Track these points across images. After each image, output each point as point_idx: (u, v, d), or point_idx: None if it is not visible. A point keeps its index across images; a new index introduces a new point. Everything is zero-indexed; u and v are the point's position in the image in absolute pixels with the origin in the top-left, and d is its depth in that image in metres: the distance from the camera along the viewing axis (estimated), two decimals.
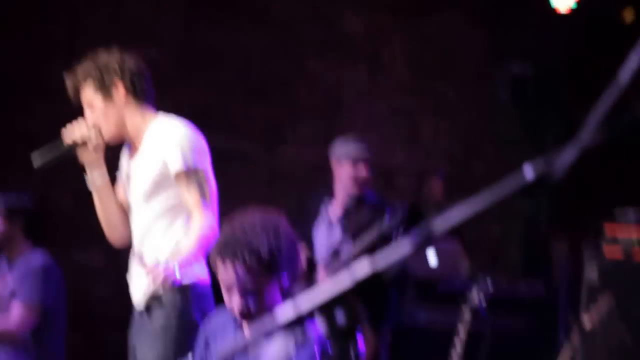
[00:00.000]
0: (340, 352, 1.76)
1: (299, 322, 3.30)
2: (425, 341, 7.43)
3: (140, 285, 4.33)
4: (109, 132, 4.35)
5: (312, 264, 6.03)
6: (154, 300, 4.27)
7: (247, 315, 3.36)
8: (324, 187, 6.40)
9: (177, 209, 4.29)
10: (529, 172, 1.36)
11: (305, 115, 8.90)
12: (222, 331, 3.56)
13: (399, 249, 1.55)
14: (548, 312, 7.45)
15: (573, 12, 8.33)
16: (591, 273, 5.83)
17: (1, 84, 7.56)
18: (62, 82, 4.45)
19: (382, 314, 6.24)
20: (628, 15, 8.58)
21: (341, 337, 1.70)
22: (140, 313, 4.37)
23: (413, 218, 6.19)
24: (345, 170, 6.08)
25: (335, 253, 6.06)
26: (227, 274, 3.36)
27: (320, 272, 6.03)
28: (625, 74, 1.33)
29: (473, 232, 9.25)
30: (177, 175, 4.22)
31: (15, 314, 6.05)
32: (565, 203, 9.19)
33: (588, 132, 1.28)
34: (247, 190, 8.36)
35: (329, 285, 1.65)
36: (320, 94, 8.95)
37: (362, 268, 1.56)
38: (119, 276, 4.50)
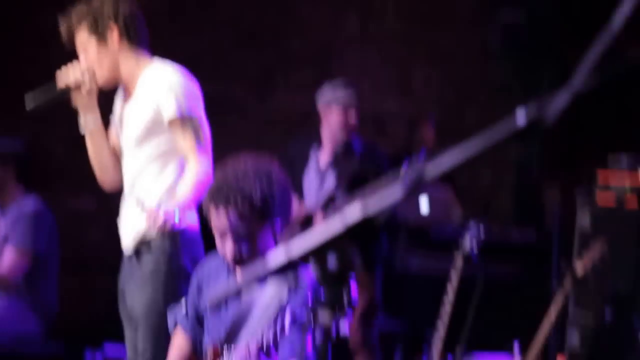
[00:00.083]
0: (333, 298, 1.76)
1: (292, 268, 3.33)
2: (418, 288, 7.46)
3: (130, 230, 4.35)
4: (102, 76, 4.34)
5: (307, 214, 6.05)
6: (143, 245, 4.29)
7: (240, 260, 3.38)
8: (306, 133, 6.39)
9: (169, 155, 4.29)
10: (520, 117, 1.36)
11: (297, 63, 8.87)
12: (214, 277, 3.57)
13: (391, 194, 1.55)
14: (540, 259, 7.48)
15: None
16: (583, 220, 5.85)
17: None
18: (56, 26, 4.42)
19: (373, 259, 6.28)
20: None
21: (333, 282, 1.70)
22: (130, 258, 4.39)
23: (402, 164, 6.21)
24: (335, 116, 6.07)
25: (331, 199, 6.08)
26: (220, 220, 3.37)
27: (317, 219, 6.05)
28: (617, 19, 1.33)
29: (465, 179, 9.27)
30: (171, 122, 4.22)
31: (7, 259, 6.07)
32: (558, 149, 9.20)
33: (580, 77, 1.28)
34: (238, 137, 8.36)
35: (320, 230, 1.65)
36: (312, 42, 8.91)
37: (354, 213, 1.56)
38: (110, 221, 4.51)
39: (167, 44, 5.08)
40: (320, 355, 1.76)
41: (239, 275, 3.42)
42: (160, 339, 4.24)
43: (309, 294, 3.26)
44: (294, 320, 2.93)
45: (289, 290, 3.29)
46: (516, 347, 5.84)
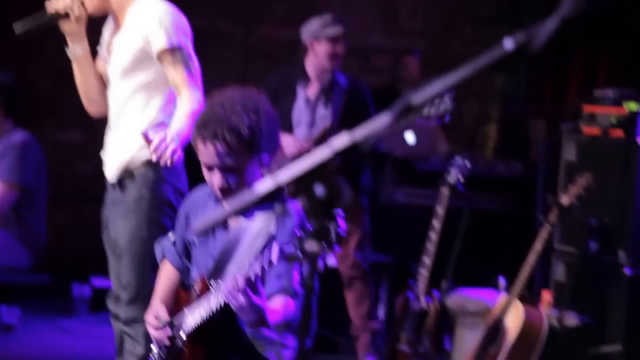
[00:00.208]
0: (320, 228, 1.76)
1: (280, 198, 3.33)
2: (403, 220, 7.50)
3: (114, 159, 4.37)
4: (91, 4, 4.33)
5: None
6: (126, 174, 4.32)
7: (228, 193, 3.38)
8: (287, 67, 6.37)
9: (155, 87, 4.31)
10: (508, 43, 1.36)
11: None
12: (202, 208, 3.58)
13: (378, 121, 1.55)
14: (525, 192, 7.51)
15: None
16: (569, 153, 5.87)
17: None
18: None
19: (360, 190, 6.30)
20: None
21: (320, 212, 1.70)
22: (113, 186, 4.42)
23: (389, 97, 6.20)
24: (323, 48, 6.07)
25: (325, 133, 6.08)
26: (207, 154, 3.36)
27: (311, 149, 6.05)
28: None
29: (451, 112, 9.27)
30: (161, 53, 4.23)
31: None
32: (544, 84, 9.21)
33: (568, 3, 1.27)
34: (224, 69, 8.34)
35: (309, 159, 1.65)
36: None
37: (341, 139, 1.56)
38: (97, 154, 4.52)
39: None
40: (307, 287, 1.76)
41: (227, 206, 3.42)
42: (145, 271, 4.27)
43: (297, 225, 3.27)
44: (281, 253, 2.94)
45: (277, 223, 3.31)
46: (501, 281, 5.89)
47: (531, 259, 5.02)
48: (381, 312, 6.80)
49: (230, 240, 3.41)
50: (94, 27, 4.50)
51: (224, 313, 3.19)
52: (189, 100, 4.15)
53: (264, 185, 1.66)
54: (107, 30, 4.51)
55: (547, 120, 8.64)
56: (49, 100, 8.25)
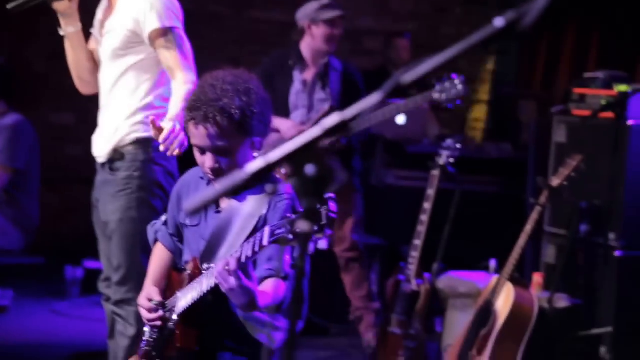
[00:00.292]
0: (311, 208, 1.76)
1: (270, 179, 3.33)
2: (394, 203, 7.51)
3: (105, 139, 4.39)
4: None
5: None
6: (116, 154, 4.34)
7: (219, 174, 3.37)
8: (281, 51, 6.36)
9: (145, 69, 4.32)
10: (499, 21, 1.36)
11: None
12: (194, 189, 3.57)
13: (368, 101, 1.55)
14: (516, 173, 7.52)
15: None
16: (559, 136, 5.88)
17: None
18: None
19: (352, 173, 6.30)
20: None
21: (311, 192, 1.70)
22: (103, 166, 4.43)
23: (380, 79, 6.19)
24: (321, 30, 6.06)
25: (329, 112, 6.08)
26: (199, 135, 3.34)
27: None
28: None
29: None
30: (153, 35, 4.24)
31: None
32: (535, 64, 9.21)
33: None
34: (217, 51, 8.33)
35: (298, 139, 1.65)
36: None
37: (332, 119, 1.56)
38: (90, 136, 4.53)
39: None
40: (298, 269, 1.76)
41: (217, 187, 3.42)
42: (135, 251, 4.29)
43: (288, 208, 3.27)
44: (272, 235, 2.94)
45: (269, 205, 3.31)
46: (492, 263, 5.90)
47: (522, 241, 5.04)
48: None
49: (221, 222, 3.41)
50: (88, 8, 4.50)
51: (216, 295, 3.19)
52: (183, 83, 4.16)
53: (254, 165, 1.66)
54: (100, 10, 4.52)
55: (538, 102, 8.65)
56: (42, 82, 8.25)
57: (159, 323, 3.48)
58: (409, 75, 1.48)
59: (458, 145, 5.66)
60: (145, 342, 3.58)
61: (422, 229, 5.52)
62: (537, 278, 5.72)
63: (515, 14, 1.35)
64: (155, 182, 4.32)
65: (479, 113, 9.55)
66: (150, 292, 3.55)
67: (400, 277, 5.62)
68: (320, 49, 6.09)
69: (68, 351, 6.17)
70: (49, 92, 8.24)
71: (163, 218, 3.78)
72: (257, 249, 2.99)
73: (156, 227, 3.78)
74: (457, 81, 5.24)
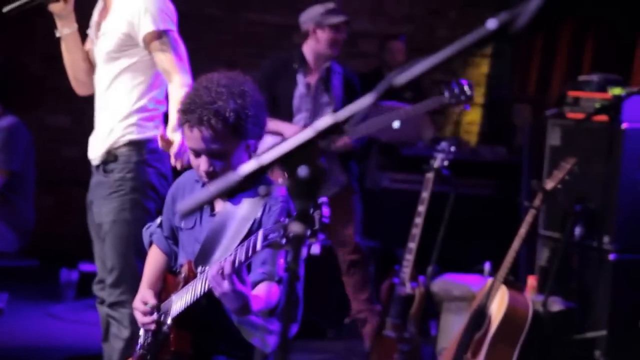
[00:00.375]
0: (304, 210, 1.75)
1: (264, 181, 3.32)
2: (389, 204, 7.51)
3: (100, 141, 4.40)
4: None
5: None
6: (109, 156, 4.34)
7: (214, 177, 3.36)
8: (283, 53, 6.36)
9: (139, 71, 4.33)
10: (492, 22, 1.36)
11: None
12: (189, 192, 3.57)
13: (361, 102, 1.56)
14: (511, 176, 7.52)
15: None
16: (554, 139, 5.88)
17: None
18: None
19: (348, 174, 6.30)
20: None
21: (304, 194, 1.69)
22: (97, 168, 4.44)
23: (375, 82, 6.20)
24: (326, 35, 6.05)
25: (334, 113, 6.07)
26: (193, 138, 3.33)
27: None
28: None
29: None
30: (148, 38, 4.25)
31: None
32: (529, 67, 9.22)
33: None
34: (212, 54, 8.33)
35: (291, 140, 1.65)
36: None
37: (325, 121, 1.56)
38: (86, 138, 4.54)
39: None
40: (291, 273, 1.76)
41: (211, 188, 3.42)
42: (128, 253, 4.29)
43: (282, 212, 3.26)
44: (265, 240, 2.93)
45: (264, 209, 3.30)
46: (487, 266, 5.90)
47: (516, 244, 5.04)
48: None
49: (216, 225, 3.40)
50: (84, 8, 4.51)
51: (210, 299, 3.19)
52: (180, 86, 4.16)
53: (247, 166, 1.66)
54: (96, 12, 4.53)
55: (532, 105, 8.65)
56: (38, 84, 8.24)
57: (153, 327, 3.47)
58: (402, 77, 1.48)
59: (452, 148, 5.67)
60: (140, 345, 3.57)
61: (416, 231, 5.52)
62: (532, 281, 5.72)
63: (508, 15, 1.35)
64: (149, 184, 4.33)
65: (474, 116, 9.56)
66: (145, 295, 3.54)
67: (394, 280, 5.62)
68: (324, 53, 6.08)
69: (63, 354, 6.16)
70: (45, 94, 8.24)
71: (158, 220, 3.78)
72: (250, 253, 2.99)
73: (151, 230, 3.77)
74: (466, 87, 5.36)
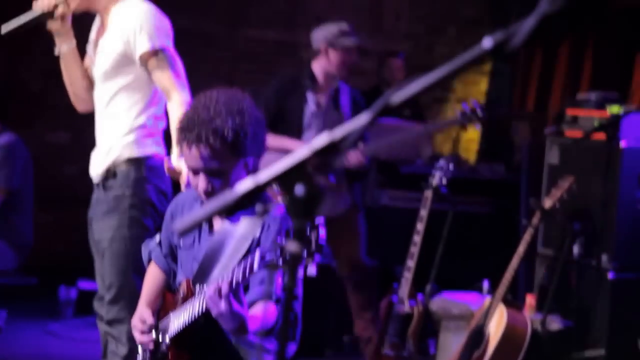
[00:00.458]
0: (301, 229, 1.75)
1: (262, 199, 3.31)
2: (388, 222, 7.50)
3: (100, 159, 4.41)
4: (75, 2, 4.36)
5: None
6: (109, 173, 4.36)
7: (213, 196, 3.35)
8: (293, 71, 6.35)
9: (136, 89, 4.34)
10: (487, 42, 1.36)
11: None
12: (188, 209, 3.56)
13: (357, 121, 1.56)
14: (509, 194, 7.52)
15: None
16: (552, 157, 5.88)
17: None
18: None
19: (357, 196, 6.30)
20: None
21: (301, 212, 1.69)
22: (97, 186, 4.45)
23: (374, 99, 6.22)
24: (338, 56, 6.05)
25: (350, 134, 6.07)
26: (191, 157, 3.32)
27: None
28: None
29: (435, 115, 9.28)
30: (145, 56, 4.25)
31: None
32: (528, 85, 9.23)
33: (546, 1, 1.28)
34: (211, 70, 8.35)
35: (288, 158, 1.65)
36: None
37: (321, 139, 1.56)
38: (85, 155, 4.54)
39: None
40: (288, 292, 1.75)
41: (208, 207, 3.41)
42: (127, 270, 4.28)
43: (280, 231, 3.25)
44: (262, 260, 2.92)
45: (262, 228, 3.29)
46: (485, 285, 5.89)
47: (514, 262, 5.03)
48: None
49: (214, 244, 3.39)
50: (84, 24, 4.52)
51: (208, 318, 3.18)
52: (179, 105, 4.17)
53: (244, 185, 1.66)
54: (94, 29, 4.54)
55: (531, 123, 8.66)
56: (37, 100, 8.25)
57: (151, 346, 3.47)
58: (399, 96, 1.49)
59: (451, 166, 5.67)
60: None
61: (415, 250, 5.52)
62: (530, 300, 5.71)
63: (504, 34, 1.35)
64: (148, 201, 4.33)
65: (472, 134, 9.57)
66: (143, 314, 3.53)
67: (393, 298, 5.61)
68: (334, 73, 6.08)
69: None
70: (44, 111, 8.24)
71: (157, 238, 3.77)
72: (247, 273, 2.97)
73: (150, 247, 3.76)
74: (477, 108, 5.44)
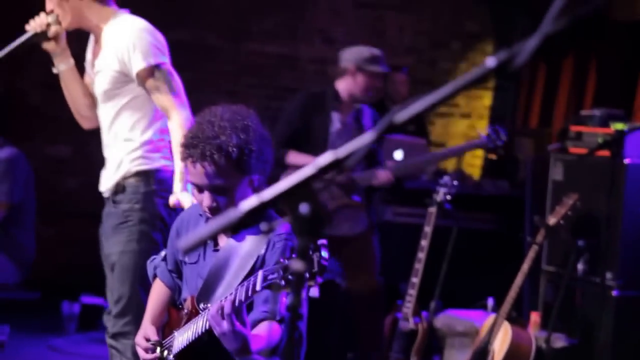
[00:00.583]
0: (305, 249, 1.74)
1: (267, 217, 3.30)
2: (392, 238, 7.49)
3: (109, 176, 4.44)
4: (66, 21, 4.38)
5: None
6: (119, 187, 4.37)
7: (217, 213, 3.32)
8: (318, 89, 6.32)
9: (140, 105, 4.36)
10: (491, 61, 1.37)
11: (270, 9, 8.86)
12: (193, 225, 3.55)
13: (362, 139, 1.56)
14: (513, 210, 7.51)
15: None
16: (556, 173, 5.88)
17: None
18: None
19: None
20: None
21: (305, 232, 1.69)
22: (108, 200, 4.47)
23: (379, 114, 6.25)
24: (365, 80, 6.06)
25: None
26: (196, 173, 3.29)
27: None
28: None
29: (439, 130, 9.28)
30: (142, 74, 4.25)
31: None
32: (532, 101, 9.23)
33: (549, 21, 1.29)
34: (213, 84, 8.36)
35: (293, 177, 1.64)
36: None
37: (326, 158, 1.56)
38: (86, 169, 4.56)
39: None
40: (293, 312, 1.74)
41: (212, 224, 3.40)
42: (135, 285, 4.29)
43: (284, 251, 3.23)
44: (264, 281, 2.91)
45: (267, 245, 3.27)
46: (490, 302, 5.88)
47: (519, 279, 5.02)
48: None
49: (219, 261, 3.38)
50: (85, 39, 4.54)
51: (212, 336, 3.16)
52: (179, 127, 4.17)
53: (248, 203, 1.66)
54: (89, 48, 4.56)
55: (535, 139, 8.65)
56: (38, 113, 8.26)
57: None
58: (403, 114, 1.49)
59: (455, 182, 5.67)
60: None
61: (419, 266, 5.51)
62: (535, 317, 5.70)
63: (508, 54, 1.35)
64: (157, 215, 4.33)
65: (476, 150, 9.57)
66: (147, 331, 3.52)
67: (397, 315, 5.61)
68: (358, 95, 6.08)
69: None
70: (45, 123, 8.25)
71: (162, 253, 3.76)
72: (250, 293, 2.96)
73: (155, 263, 3.75)
74: (501, 132, 5.65)
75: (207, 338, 3.20)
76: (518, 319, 5.21)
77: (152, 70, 4.24)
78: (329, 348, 6.68)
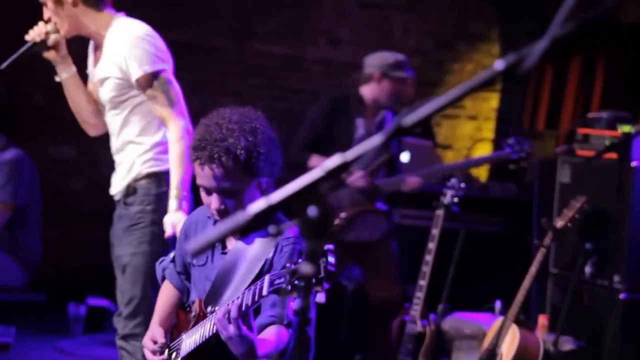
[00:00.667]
0: (313, 252, 1.74)
1: (275, 220, 3.29)
2: (399, 241, 7.48)
3: (119, 180, 4.45)
4: (63, 28, 4.40)
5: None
6: (130, 189, 4.39)
7: (225, 215, 3.31)
8: (343, 94, 6.31)
9: (146, 110, 4.37)
10: (499, 64, 1.36)
11: (275, 10, 8.86)
12: (202, 228, 3.54)
13: (370, 142, 1.56)
14: (521, 213, 7.50)
15: None
16: (563, 176, 5.87)
17: None
18: None
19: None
20: None
21: (313, 235, 1.68)
22: (119, 202, 4.49)
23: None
24: (391, 85, 6.05)
25: (387, 160, 6.12)
26: (204, 176, 3.28)
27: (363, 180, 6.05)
28: None
29: (445, 132, 9.27)
30: (141, 82, 4.28)
31: None
32: (539, 104, 9.22)
33: (557, 24, 1.28)
34: (218, 84, 8.36)
35: (301, 180, 1.64)
36: None
37: (334, 160, 1.56)
38: (91, 170, 4.57)
39: None
40: (301, 317, 1.74)
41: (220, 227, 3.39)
42: (146, 286, 4.30)
43: (295, 251, 3.22)
44: (271, 285, 2.91)
45: (275, 249, 3.26)
46: (497, 305, 5.88)
47: (526, 282, 5.02)
48: None
49: (227, 264, 3.37)
50: (84, 39, 4.54)
51: (219, 339, 3.16)
52: (177, 140, 4.19)
53: (256, 205, 1.66)
54: (90, 56, 4.57)
55: (542, 141, 8.64)
56: (42, 115, 8.27)
57: None
58: (411, 118, 1.49)
59: (462, 185, 5.67)
60: None
61: (426, 269, 5.51)
62: (543, 320, 5.70)
63: (516, 57, 1.35)
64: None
65: (483, 151, 9.56)
66: (155, 333, 3.52)
67: (405, 318, 5.60)
68: (383, 101, 6.07)
69: None
70: (49, 125, 8.26)
71: (171, 255, 3.75)
72: (257, 298, 2.96)
73: (164, 265, 3.75)
74: (525, 144, 5.80)
75: (215, 342, 3.20)
76: (526, 321, 5.20)
77: (150, 78, 4.25)
78: (336, 349, 6.67)
